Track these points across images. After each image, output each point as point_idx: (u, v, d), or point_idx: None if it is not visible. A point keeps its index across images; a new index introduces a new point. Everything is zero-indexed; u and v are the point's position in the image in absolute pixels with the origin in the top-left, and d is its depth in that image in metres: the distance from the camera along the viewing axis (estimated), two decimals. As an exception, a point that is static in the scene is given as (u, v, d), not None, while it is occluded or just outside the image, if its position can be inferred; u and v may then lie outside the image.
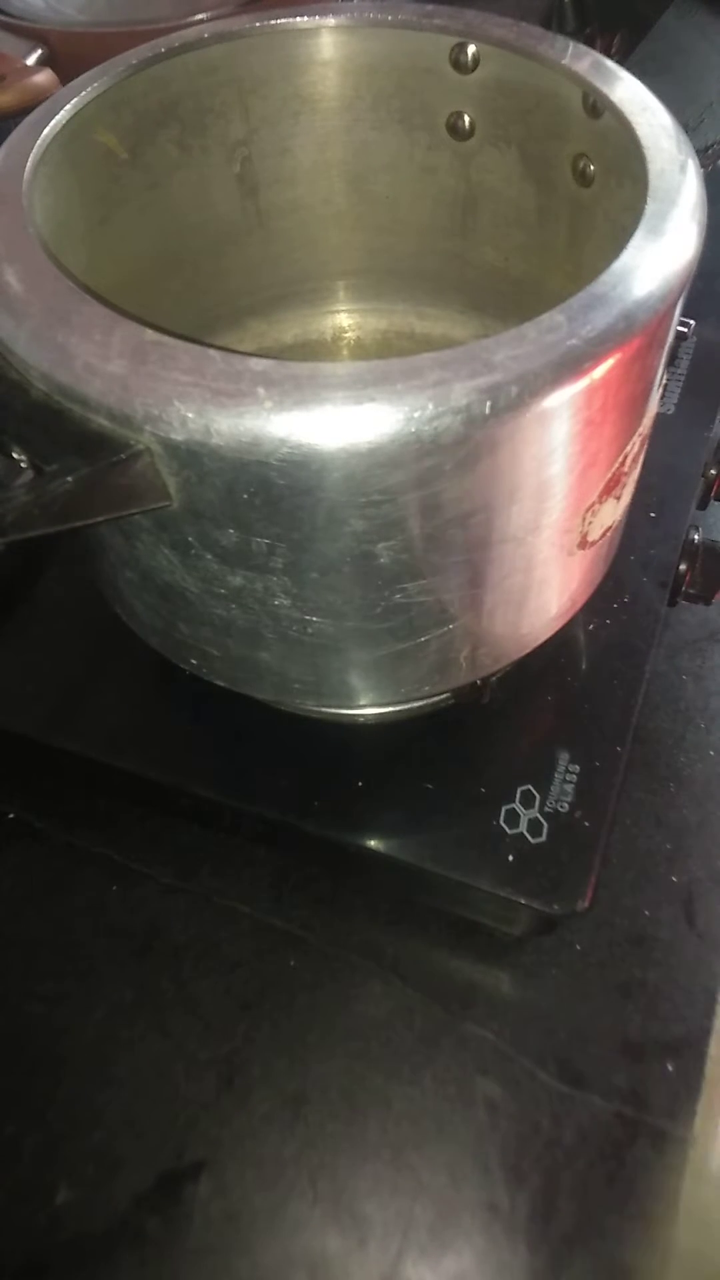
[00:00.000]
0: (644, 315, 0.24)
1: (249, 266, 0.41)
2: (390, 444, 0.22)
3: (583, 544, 0.30)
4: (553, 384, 0.23)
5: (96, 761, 0.39)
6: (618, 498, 0.30)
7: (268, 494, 0.24)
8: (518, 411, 0.23)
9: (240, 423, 0.22)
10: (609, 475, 0.28)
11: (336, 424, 0.22)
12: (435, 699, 0.38)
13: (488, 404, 0.22)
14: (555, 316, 0.23)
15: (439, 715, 0.39)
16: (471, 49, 0.34)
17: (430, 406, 0.22)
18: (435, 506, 0.25)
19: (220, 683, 0.33)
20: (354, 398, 0.22)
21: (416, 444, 0.23)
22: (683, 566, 0.43)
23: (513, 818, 0.36)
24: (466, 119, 0.36)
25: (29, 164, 0.30)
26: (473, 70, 0.34)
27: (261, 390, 0.22)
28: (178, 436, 0.23)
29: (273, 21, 0.35)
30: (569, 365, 0.23)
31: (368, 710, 0.38)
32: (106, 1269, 0.33)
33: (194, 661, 0.33)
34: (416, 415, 0.22)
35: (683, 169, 0.27)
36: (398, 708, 0.38)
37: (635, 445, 0.29)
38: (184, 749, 0.39)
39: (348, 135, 0.38)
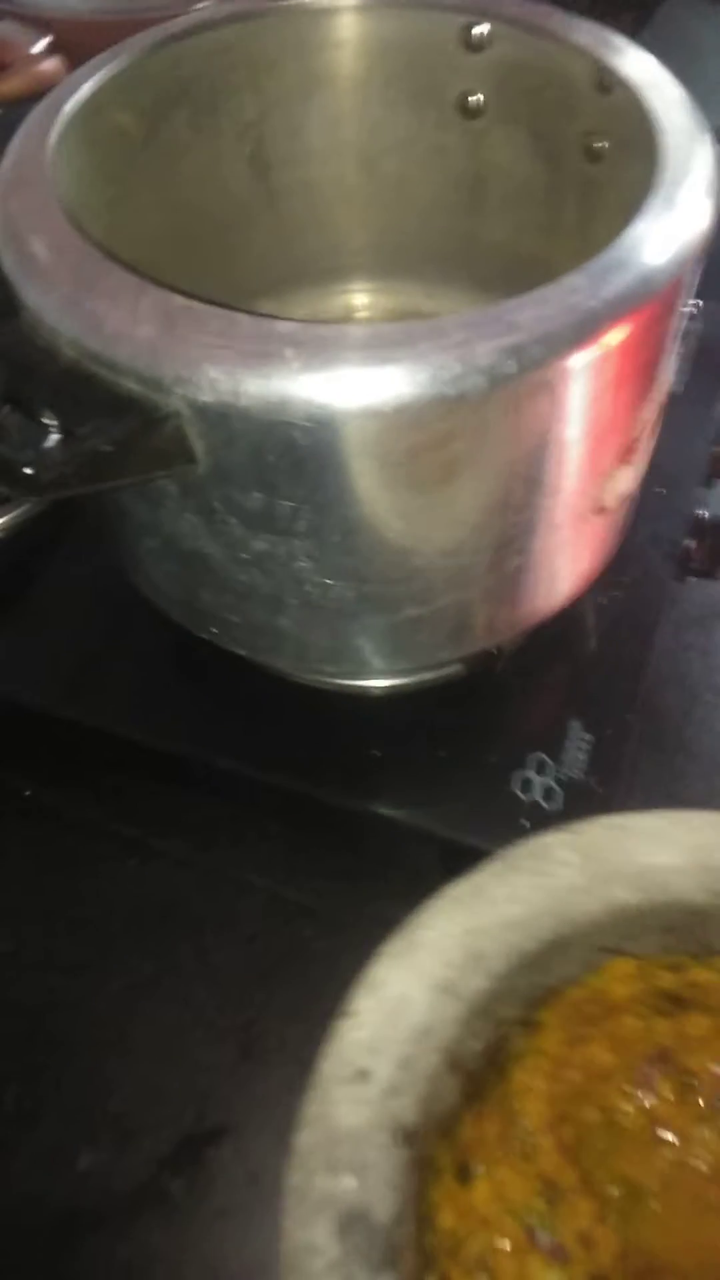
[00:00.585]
0: (661, 279, 0.24)
1: (261, 246, 0.42)
2: (415, 403, 0.23)
3: (600, 511, 0.31)
4: (575, 344, 0.23)
5: (112, 735, 0.40)
6: (634, 466, 0.31)
7: (293, 455, 0.24)
8: (542, 371, 0.23)
9: (268, 384, 0.23)
10: (627, 441, 0.29)
11: (362, 384, 0.23)
12: (447, 670, 0.39)
13: (513, 363, 0.23)
14: (575, 279, 0.24)
15: (451, 686, 0.39)
16: (482, 28, 0.34)
17: (456, 366, 0.23)
18: (457, 468, 0.25)
19: (240, 651, 0.34)
20: (380, 358, 0.23)
21: (441, 403, 0.23)
22: (691, 542, 0.44)
23: (527, 785, 0.37)
24: (477, 98, 0.37)
25: (51, 140, 0.30)
26: (483, 49, 0.35)
27: (289, 351, 0.23)
28: (206, 398, 0.23)
29: (286, 2, 0.36)
30: (590, 326, 0.23)
31: (382, 681, 0.39)
32: (132, 1228, 0.34)
33: (214, 630, 0.33)
34: (442, 374, 0.23)
35: (697, 140, 0.27)
36: (411, 679, 0.39)
37: (651, 412, 0.30)
38: (199, 721, 0.39)
39: (359, 115, 0.39)
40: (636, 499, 0.36)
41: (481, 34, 0.34)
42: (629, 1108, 0.28)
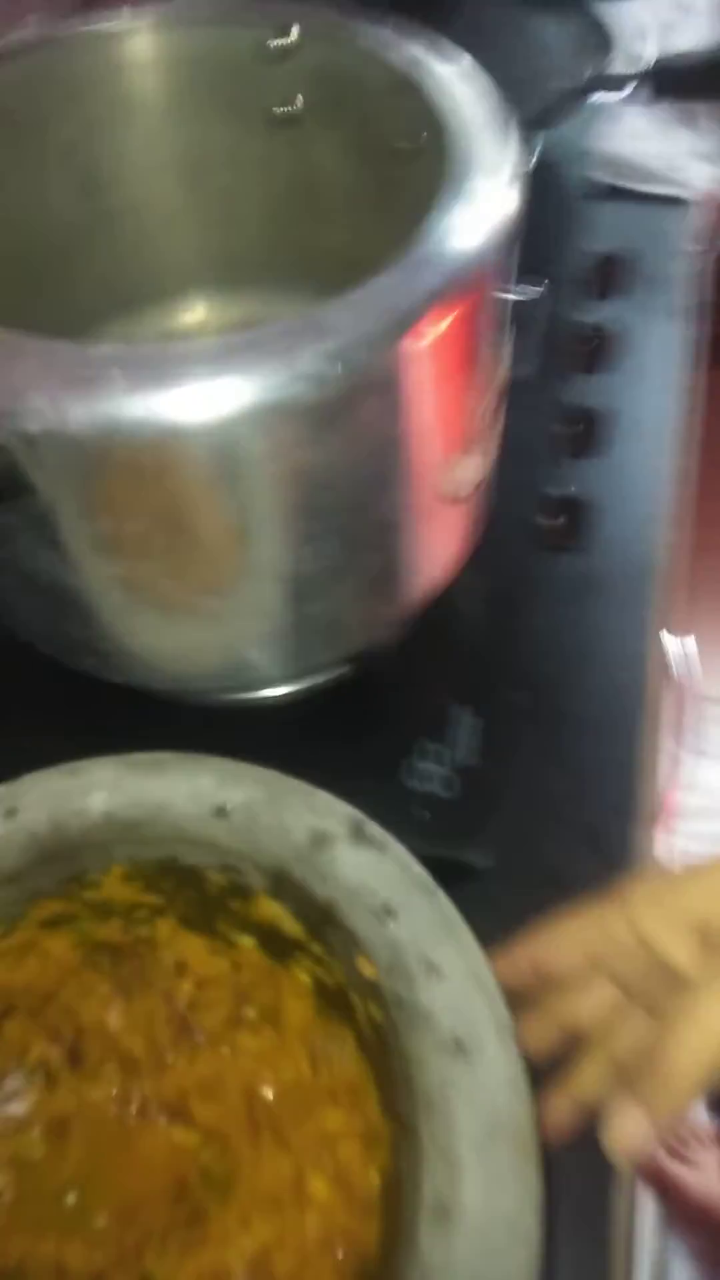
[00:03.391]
0: (468, 270, 0.25)
1: (100, 268, 0.41)
2: (248, 414, 0.23)
3: (454, 500, 0.31)
4: (394, 341, 0.24)
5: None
6: (479, 454, 0.32)
7: (131, 477, 0.24)
8: (365, 371, 0.24)
9: (96, 407, 0.23)
10: (465, 430, 0.29)
11: (193, 400, 0.23)
12: (335, 671, 0.39)
13: (336, 366, 0.23)
14: (384, 280, 0.24)
15: (341, 686, 0.39)
16: (290, 37, 0.35)
17: (282, 373, 0.23)
18: (301, 472, 0.26)
19: (118, 679, 0.33)
20: (208, 372, 0.23)
21: (274, 411, 0.23)
22: (551, 520, 0.45)
23: (424, 776, 0.37)
24: (293, 106, 0.37)
25: None
26: (294, 58, 0.35)
27: (116, 372, 0.23)
28: (34, 428, 0.23)
29: (93, 25, 0.36)
30: (406, 322, 0.24)
31: (274, 691, 0.39)
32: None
33: (90, 662, 0.33)
34: (270, 383, 0.23)
35: (493, 132, 0.28)
36: (300, 684, 0.39)
37: (490, 400, 0.30)
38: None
39: (180, 132, 0.39)
40: (495, 482, 0.37)
41: (285, 44, 0.35)
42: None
